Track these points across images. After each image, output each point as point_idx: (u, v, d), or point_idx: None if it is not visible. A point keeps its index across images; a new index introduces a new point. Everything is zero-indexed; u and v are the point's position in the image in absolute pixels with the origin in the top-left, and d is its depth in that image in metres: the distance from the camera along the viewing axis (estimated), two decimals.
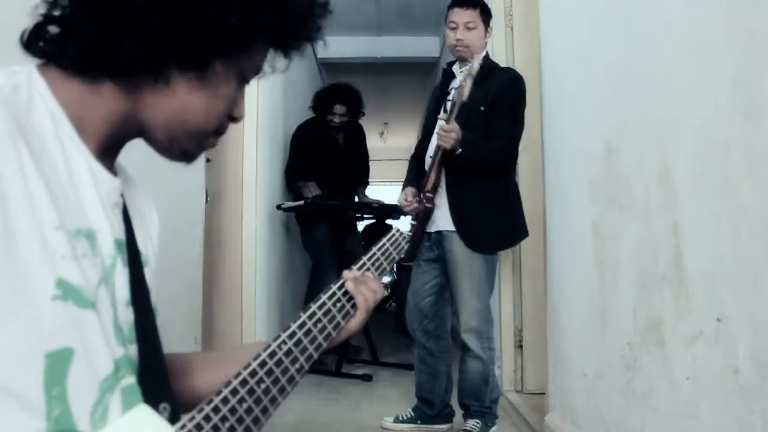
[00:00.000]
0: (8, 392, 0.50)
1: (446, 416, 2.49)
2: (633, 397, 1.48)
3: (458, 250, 2.32)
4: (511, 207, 2.41)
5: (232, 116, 0.70)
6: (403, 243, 0.89)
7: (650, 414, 1.39)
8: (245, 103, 0.72)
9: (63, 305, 0.53)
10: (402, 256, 0.89)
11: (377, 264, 0.85)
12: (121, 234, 0.64)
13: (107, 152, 0.65)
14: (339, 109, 3.77)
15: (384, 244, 0.87)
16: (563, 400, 2.03)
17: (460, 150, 2.22)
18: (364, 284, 0.81)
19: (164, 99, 0.63)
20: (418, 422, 2.48)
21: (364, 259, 0.83)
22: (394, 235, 0.89)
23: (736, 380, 1.05)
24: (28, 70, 0.60)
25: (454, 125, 2.19)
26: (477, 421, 2.32)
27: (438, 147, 2.28)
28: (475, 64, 2.20)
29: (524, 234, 2.49)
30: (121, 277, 0.62)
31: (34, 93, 0.58)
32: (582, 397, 1.84)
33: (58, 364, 0.52)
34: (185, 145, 0.67)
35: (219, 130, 0.70)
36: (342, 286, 0.79)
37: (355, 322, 0.80)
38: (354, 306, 0.79)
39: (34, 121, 0.56)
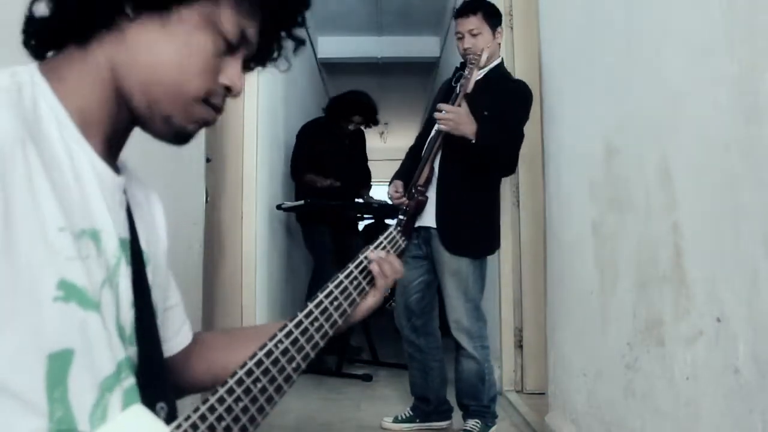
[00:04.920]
0: (11, 393, 0.50)
1: (444, 412, 2.50)
2: (633, 397, 1.48)
3: (443, 249, 2.31)
4: (492, 217, 2.39)
5: (225, 86, 0.66)
6: (400, 241, 0.90)
7: (650, 414, 1.39)
8: (243, 82, 0.67)
9: (65, 306, 0.53)
10: (398, 252, 0.90)
11: None
12: (125, 233, 0.64)
13: (111, 148, 0.65)
14: (357, 119, 3.89)
15: (381, 242, 0.88)
16: (563, 400, 2.03)
17: (473, 140, 2.15)
18: (389, 264, 0.83)
19: (133, 56, 0.61)
20: (417, 420, 2.48)
21: (361, 257, 0.83)
22: (391, 233, 0.90)
23: (736, 380, 1.05)
24: (29, 71, 0.59)
25: (457, 108, 2.16)
26: (477, 420, 2.32)
27: (435, 138, 2.27)
28: (483, 56, 2.23)
29: (497, 246, 2.48)
30: (125, 277, 0.62)
31: (38, 93, 0.58)
32: (582, 397, 1.84)
33: (59, 366, 0.52)
34: (167, 109, 0.63)
35: (209, 99, 0.65)
36: (350, 274, 0.80)
37: (371, 301, 0.83)
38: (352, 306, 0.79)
39: (39, 122, 0.56)
